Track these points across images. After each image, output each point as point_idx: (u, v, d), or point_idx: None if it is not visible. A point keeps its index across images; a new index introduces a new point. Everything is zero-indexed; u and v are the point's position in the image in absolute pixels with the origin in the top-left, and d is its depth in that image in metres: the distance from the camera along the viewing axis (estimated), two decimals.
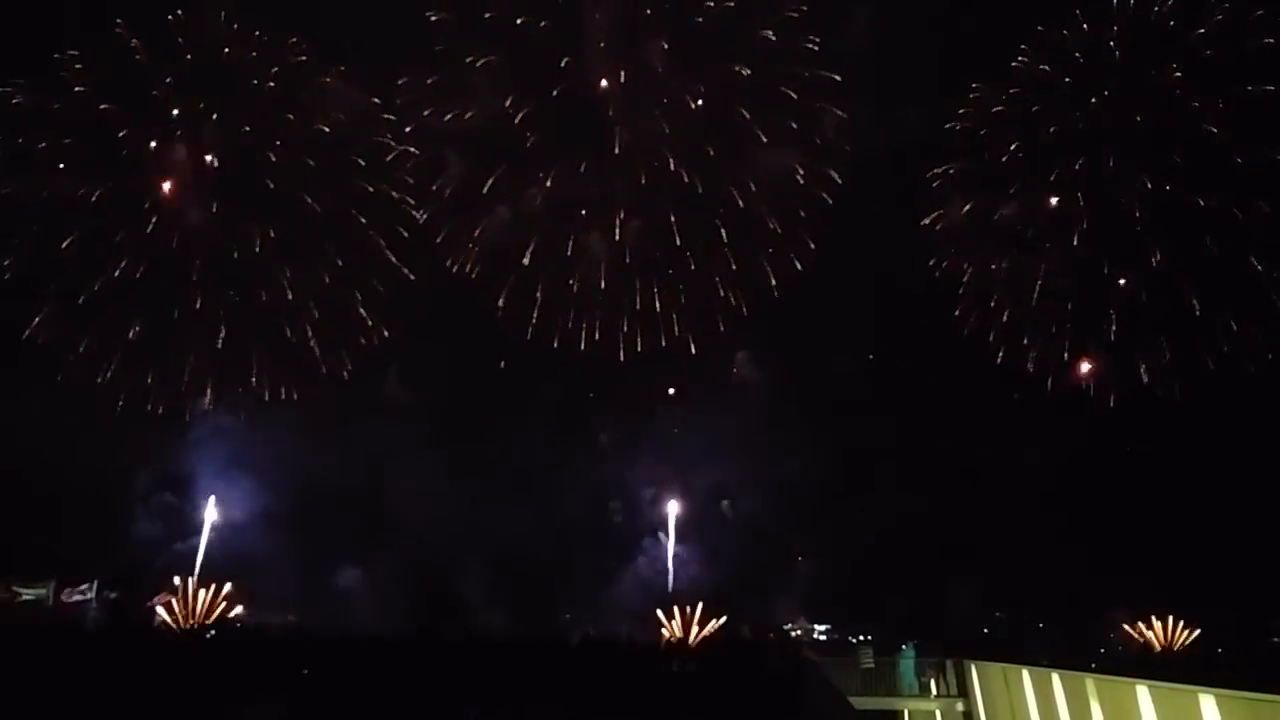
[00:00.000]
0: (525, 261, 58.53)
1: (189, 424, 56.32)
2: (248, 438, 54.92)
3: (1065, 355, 56.75)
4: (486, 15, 56.66)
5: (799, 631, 53.72)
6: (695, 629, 48.72)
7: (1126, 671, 24.18)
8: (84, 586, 51.06)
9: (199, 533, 53.13)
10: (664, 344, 58.39)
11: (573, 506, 54.96)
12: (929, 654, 38.83)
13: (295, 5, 56.33)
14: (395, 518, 52.31)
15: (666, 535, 54.26)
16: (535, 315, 58.51)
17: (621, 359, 58.19)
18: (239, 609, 50.50)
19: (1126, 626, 53.10)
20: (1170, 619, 52.45)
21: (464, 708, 20.07)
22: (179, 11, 56.44)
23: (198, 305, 57.28)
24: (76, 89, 55.48)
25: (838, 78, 56.48)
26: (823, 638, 55.02)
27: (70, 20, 55.71)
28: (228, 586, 50.86)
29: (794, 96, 57.10)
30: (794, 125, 57.61)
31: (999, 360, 56.55)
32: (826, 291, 57.03)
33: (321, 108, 57.93)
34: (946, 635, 44.90)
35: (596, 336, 58.46)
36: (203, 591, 49.53)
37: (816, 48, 56.35)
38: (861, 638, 48.08)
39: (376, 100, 58.06)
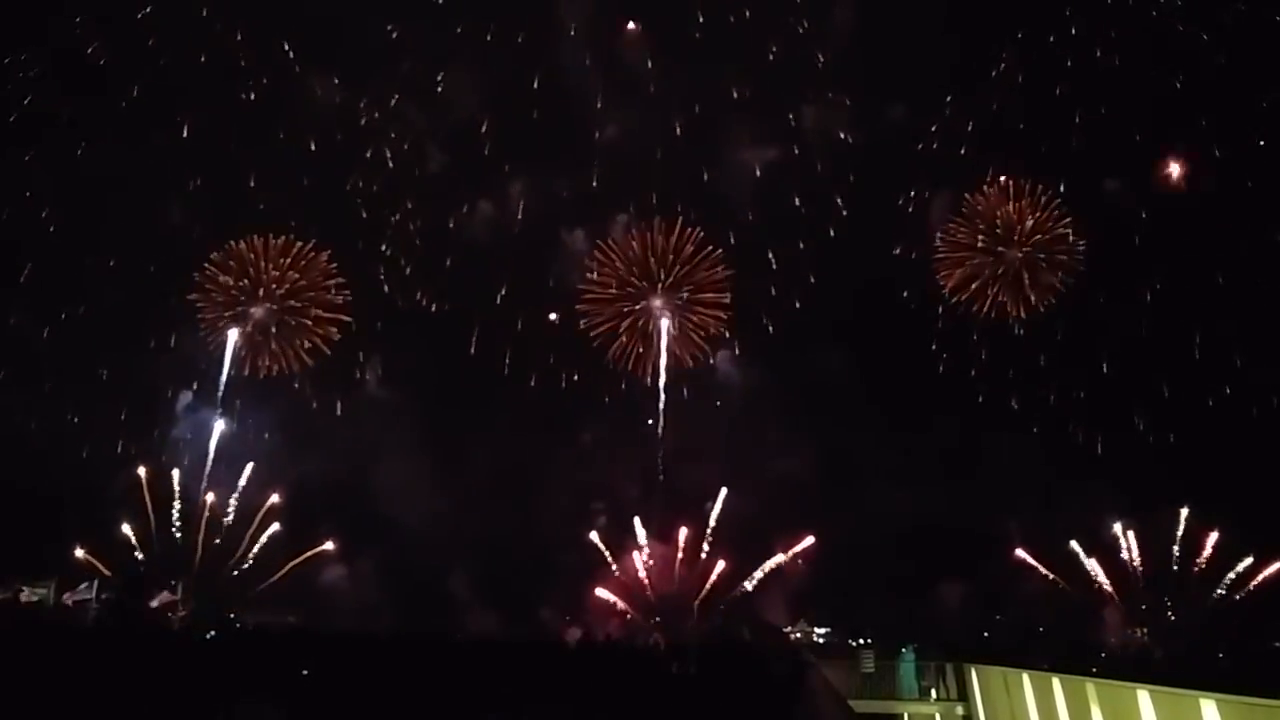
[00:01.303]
0: (497, 301, 56.75)
1: (172, 422, 55.47)
2: (233, 437, 54.91)
3: (1051, 398, 53.84)
4: (458, 30, 54.85)
5: (799, 634, 53.59)
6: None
7: (1127, 675, 24.18)
8: (84, 586, 51.09)
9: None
10: (649, 383, 56.42)
11: (556, 507, 54.91)
12: (929, 657, 38.83)
13: (276, 8, 53.41)
14: (380, 517, 52.24)
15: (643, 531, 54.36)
16: (508, 357, 56.26)
17: (605, 401, 56.72)
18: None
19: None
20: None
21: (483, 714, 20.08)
22: (147, 10, 51.27)
23: (172, 343, 54.35)
24: (27, 99, 50.02)
25: (848, 101, 55.54)
26: (822, 640, 54.87)
27: (18, 18, 48.86)
28: (274, 498, 51.86)
29: (793, 122, 56.01)
30: (796, 151, 56.21)
31: (980, 400, 53.95)
32: (817, 317, 56.02)
33: (309, 120, 54.90)
34: (941, 638, 44.92)
35: (575, 378, 56.58)
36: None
37: (821, 65, 54.95)
38: (862, 641, 48.03)
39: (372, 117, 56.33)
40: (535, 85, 55.18)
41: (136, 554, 51.61)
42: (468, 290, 56.96)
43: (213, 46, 53.35)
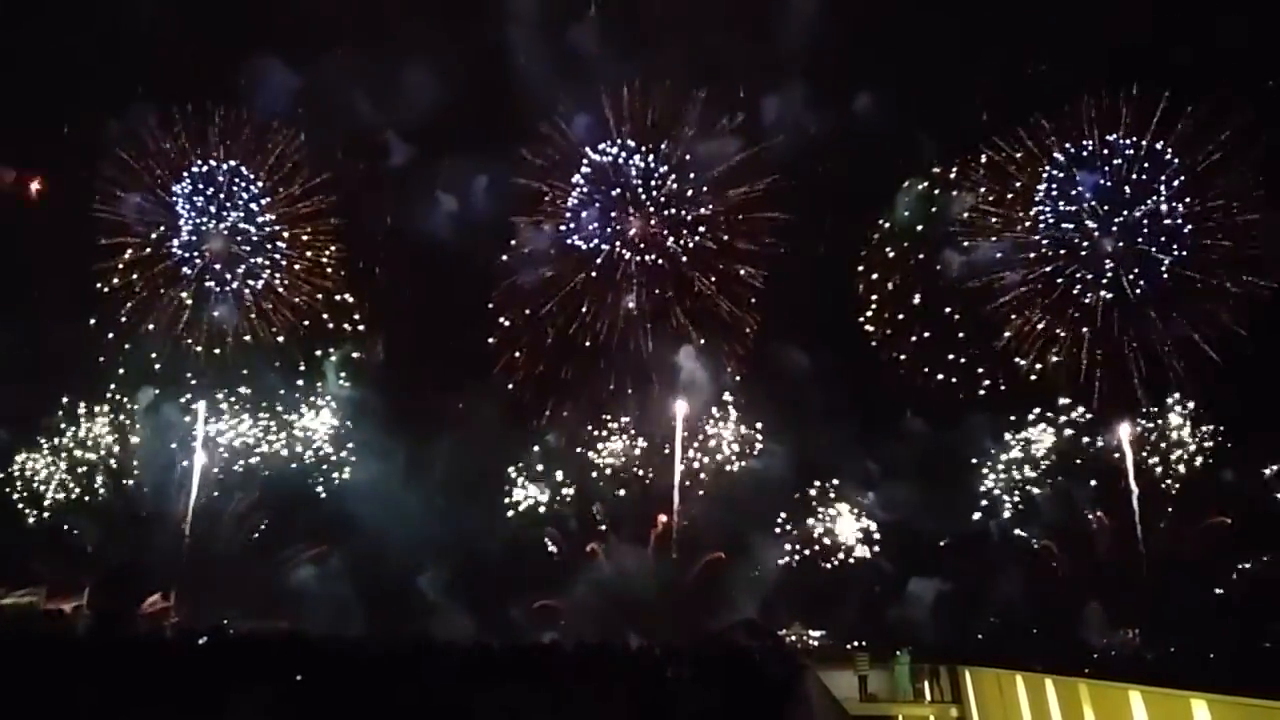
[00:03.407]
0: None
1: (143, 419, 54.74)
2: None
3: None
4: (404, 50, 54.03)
5: (794, 637, 53.72)
6: None
7: (1119, 676, 24.37)
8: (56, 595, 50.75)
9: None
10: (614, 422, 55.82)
11: (526, 509, 54.89)
12: (923, 660, 38.96)
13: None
14: (348, 518, 52.11)
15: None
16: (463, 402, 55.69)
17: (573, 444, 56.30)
18: None
19: None
20: None
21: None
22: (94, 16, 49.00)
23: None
24: None
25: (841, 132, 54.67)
26: (816, 644, 55.02)
27: None
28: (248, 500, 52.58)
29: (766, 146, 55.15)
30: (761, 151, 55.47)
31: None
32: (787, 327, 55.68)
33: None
34: (933, 640, 45.14)
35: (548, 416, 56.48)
36: None
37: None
38: (856, 644, 48.14)
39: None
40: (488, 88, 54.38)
41: (114, 557, 51.35)
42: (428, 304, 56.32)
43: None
